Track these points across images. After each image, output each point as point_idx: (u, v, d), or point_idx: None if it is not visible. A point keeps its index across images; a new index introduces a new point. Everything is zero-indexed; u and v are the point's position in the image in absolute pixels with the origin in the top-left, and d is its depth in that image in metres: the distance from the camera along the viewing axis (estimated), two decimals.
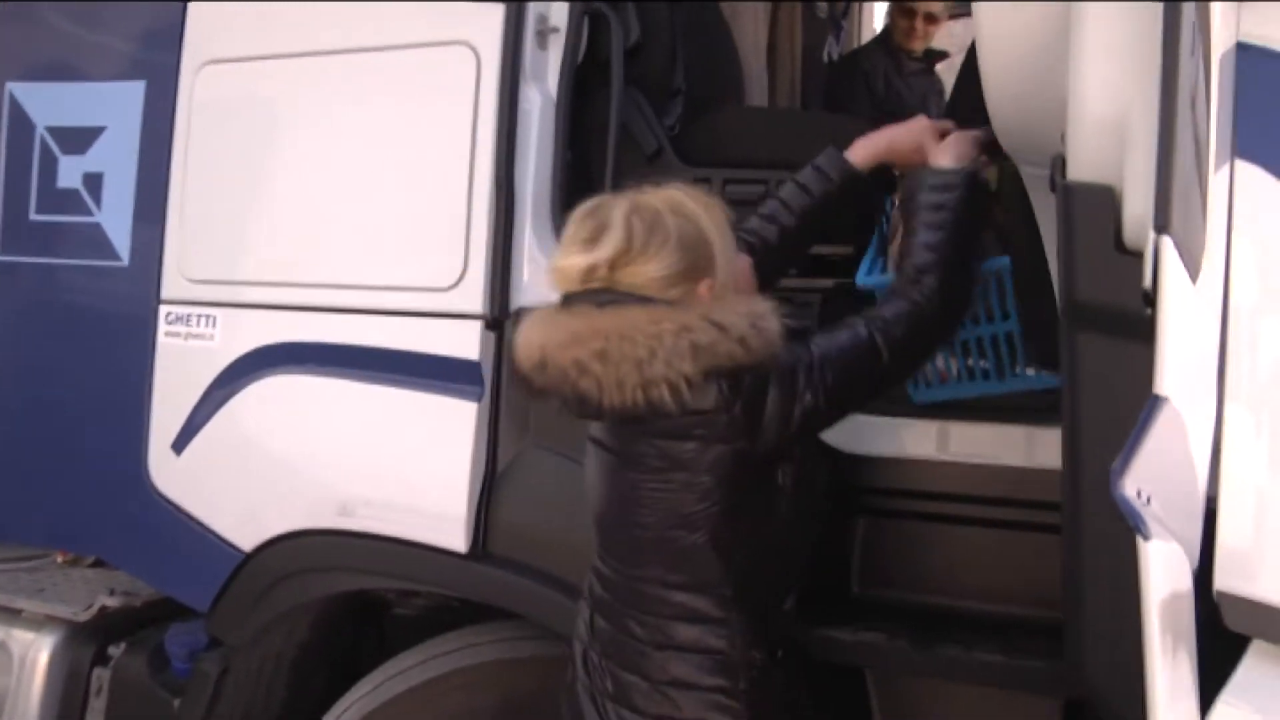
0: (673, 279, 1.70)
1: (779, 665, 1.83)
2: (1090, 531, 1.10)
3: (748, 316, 1.66)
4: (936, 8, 4.12)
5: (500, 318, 2.26)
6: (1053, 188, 1.18)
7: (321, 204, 2.40)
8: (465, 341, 2.27)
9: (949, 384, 2.15)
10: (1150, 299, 1.05)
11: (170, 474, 2.56)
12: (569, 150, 2.36)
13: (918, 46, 4.15)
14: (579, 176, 2.40)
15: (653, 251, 1.69)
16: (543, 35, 2.33)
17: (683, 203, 1.75)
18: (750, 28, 3.32)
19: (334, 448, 2.37)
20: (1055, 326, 1.53)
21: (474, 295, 2.26)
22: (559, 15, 2.34)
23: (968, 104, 3.15)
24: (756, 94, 3.33)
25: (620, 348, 1.62)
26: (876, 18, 5.00)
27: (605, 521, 1.86)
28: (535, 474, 2.29)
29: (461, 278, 2.27)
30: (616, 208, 1.73)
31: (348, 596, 2.61)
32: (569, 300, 1.75)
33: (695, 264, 1.72)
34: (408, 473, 2.30)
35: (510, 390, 2.28)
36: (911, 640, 2.01)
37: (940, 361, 2.15)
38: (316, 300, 2.39)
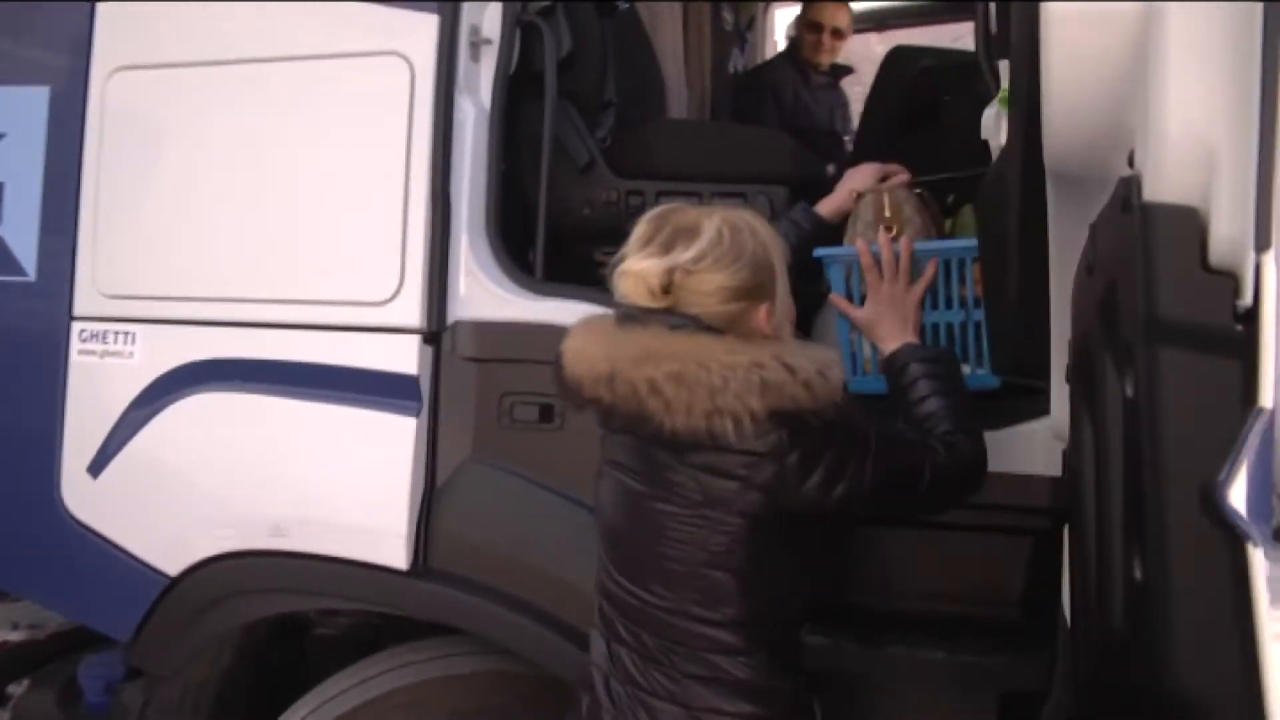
0: (738, 293, 1.72)
1: (805, 690, 1.84)
2: (1175, 543, 1.12)
3: (815, 362, 1.68)
4: (843, 23, 4.22)
5: (438, 331, 2.24)
6: (1123, 209, 1.20)
7: (251, 217, 2.33)
8: (403, 356, 2.23)
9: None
10: (1245, 316, 1.10)
11: (86, 498, 2.45)
12: (502, 162, 2.35)
13: (824, 60, 4.24)
14: (510, 188, 2.39)
15: (727, 262, 1.71)
16: (476, 46, 2.31)
17: (758, 227, 1.78)
18: (670, 39, 3.35)
19: (266, 466, 2.30)
20: (1024, 335, 1.60)
21: (411, 309, 2.23)
22: (492, 26, 2.33)
23: (876, 128, 3.27)
24: (676, 105, 3.36)
25: (696, 373, 1.63)
26: (778, 31, 5.09)
27: (624, 548, 1.83)
28: (475, 488, 2.27)
29: (398, 291, 2.23)
30: (704, 215, 1.75)
31: (270, 619, 2.53)
32: (632, 317, 1.75)
33: (761, 285, 1.75)
34: (345, 490, 2.26)
35: (449, 403, 2.25)
36: (857, 641, 2.04)
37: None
38: (245, 315, 2.32)
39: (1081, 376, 1.44)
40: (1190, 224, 1.17)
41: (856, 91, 4.69)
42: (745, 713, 1.74)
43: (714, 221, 1.73)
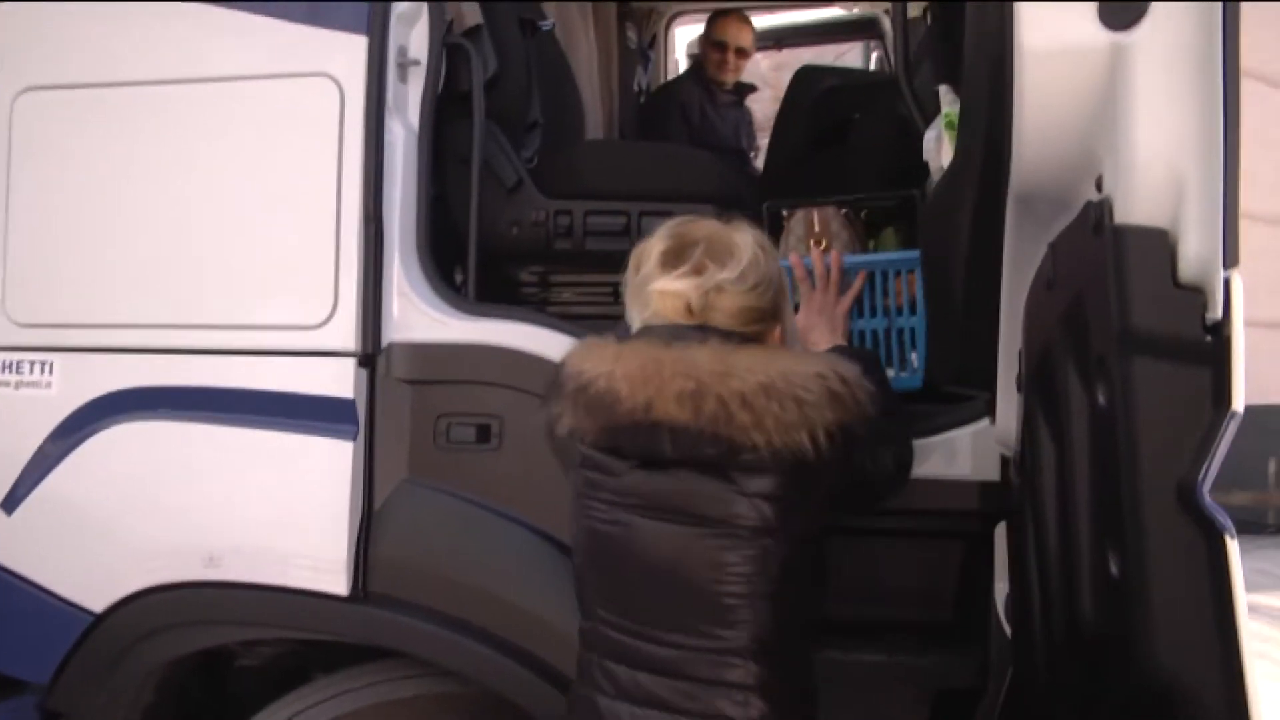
0: (762, 314, 1.74)
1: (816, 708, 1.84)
2: (1154, 539, 1.20)
3: (855, 371, 1.68)
4: (747, 42, 4.32)
5: (373, 354, 2.23)
6: (1095, 231, 1.29)
7: (179, 241, 2.28)
8: (338, 379, 2.21)
9: None
10: (1214, 328, 1.20)
11: None
12: (431, 183, 2.35)
13: (729, 79, 4.34)
14: (437, 209, 2.39)
15: (758, 280, 1.73)
16: (404, 68, 2.31)
17: (769, 245, 1.81)
18: (584, 58, 3.40)
19: (199, 495, 2.25)
20: (971, 346, 1.68)
21: (346, 332, 2.21)
22: (419, 47, 2.32)
23: (786, 147, 3.35)
24: (592, 124, 3.40)
25: (782, 385, 1.61)
26: (679, 48, 5.18)
27: (660, 595, 1.72)
28: (413, 510, 2.26)
29: (332, 314, 2.21)
30: (735, 232, 1.76)
31: (194, 652, 2.47)
32: (683, 335, 1.70)
33: (779, 306, 1.78)
34: (281, 517, 2.22)
35: (385, 426, 2.24)
36: None
37: None
38: (174, 342, 2.27)
39: (1040, 387, 1.53)
40: (1160, 244, 1.26)
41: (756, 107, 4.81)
42: None
43: (748, 240, 1.76)
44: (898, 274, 2.15)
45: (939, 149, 1.82)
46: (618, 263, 2.64)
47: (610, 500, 1.75)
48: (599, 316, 2.65)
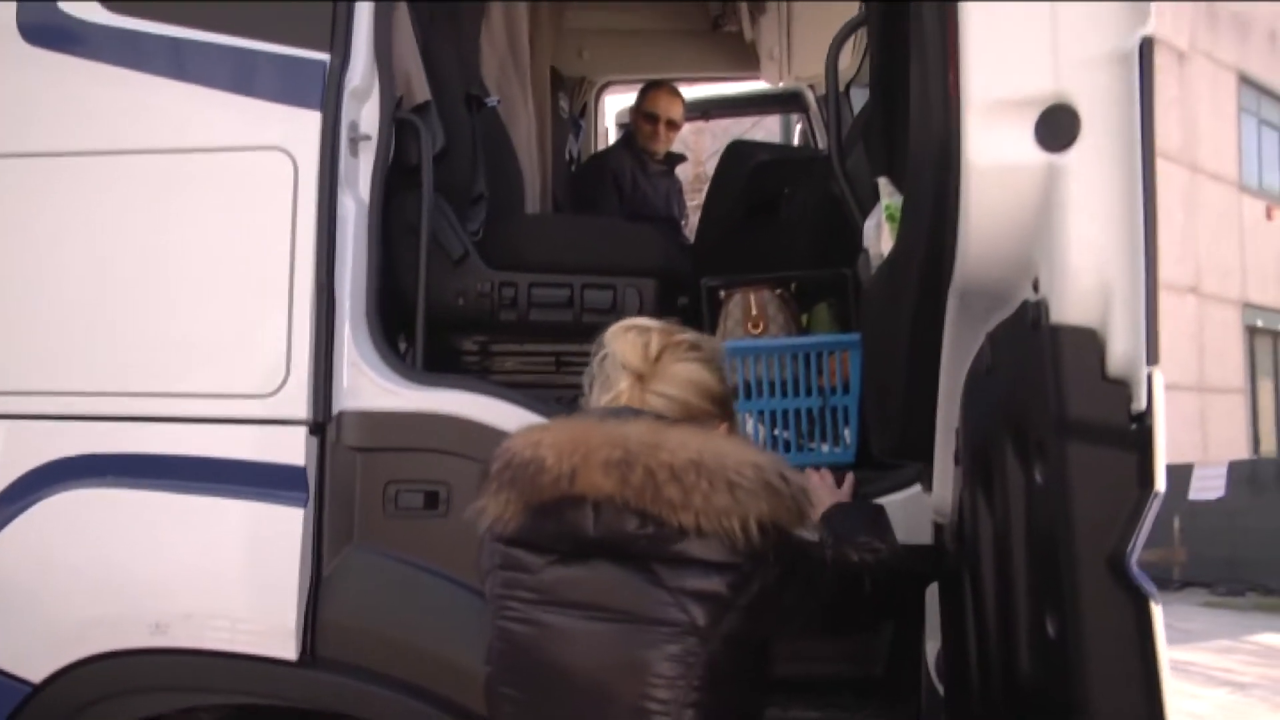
0: (713, 398, 1.76)
1: None
2: (1087, 603, 1.32)
3: (799, 479, 1.63)
4: (677, 114, 4.46)
5: (323, 422, 2.27)
6: (1033, 328, 1.42)
7: (131, 309, 2.31)
8: (289, 447, 2.25)
9: None
10: (1138, 418, 1.35)
11: None
12: (380, 254, 2.41)
13: (660, 149, 4.47)
14: (384, 279, 2.45)
15: (713, 364, 1.79)
16: (355, 142, 2.38)
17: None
18: (524, 130, 3.49)
19: (146, 563, 2.26)
20: (909, 423, 1.80)
21: (298, 400, 2.25)
22: (370, 123, 2.40)
23: (717, 219, 3.48)
24: (531, 195, 3.50)
25: (714, 463, 1.55)
26: (608, 117, 5.32)
27: (574, 702, 1.62)
28: (361, 575, 2.29)
29: (284, 383, 2.26)
30: (685, 332, 1.82)
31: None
32: (618, 413, 1.68)
33: (728, 402, 1.82)
34: (230, 583, 2.24)
35: (334, 492, 2.28)
36: None
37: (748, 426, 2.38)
38: (124, 409, 2.29)
39: (979, 463, 1.65)
40: (1091, 343, 1.41)
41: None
42: None
43: (692, 334, 1.82)
44: (832, 354, 2.28)
45: (879, 236, 1.96)
46: (559, 333, 2.75)
47: (526, 599, 1.65)
48: (541, 385, 2.73)
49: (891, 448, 2.00)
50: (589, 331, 1.89)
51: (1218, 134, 17.52)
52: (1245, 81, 18.34)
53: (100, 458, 2.29)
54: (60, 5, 2.41)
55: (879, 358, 1.93)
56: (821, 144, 4.32)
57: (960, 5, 1.50)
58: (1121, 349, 1.40)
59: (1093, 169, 1.45)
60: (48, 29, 2.41)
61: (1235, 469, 11.39)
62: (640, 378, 1.73)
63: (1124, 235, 1.41)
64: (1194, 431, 15.67)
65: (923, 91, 1.60)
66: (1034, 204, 1.46)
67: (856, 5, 2.85)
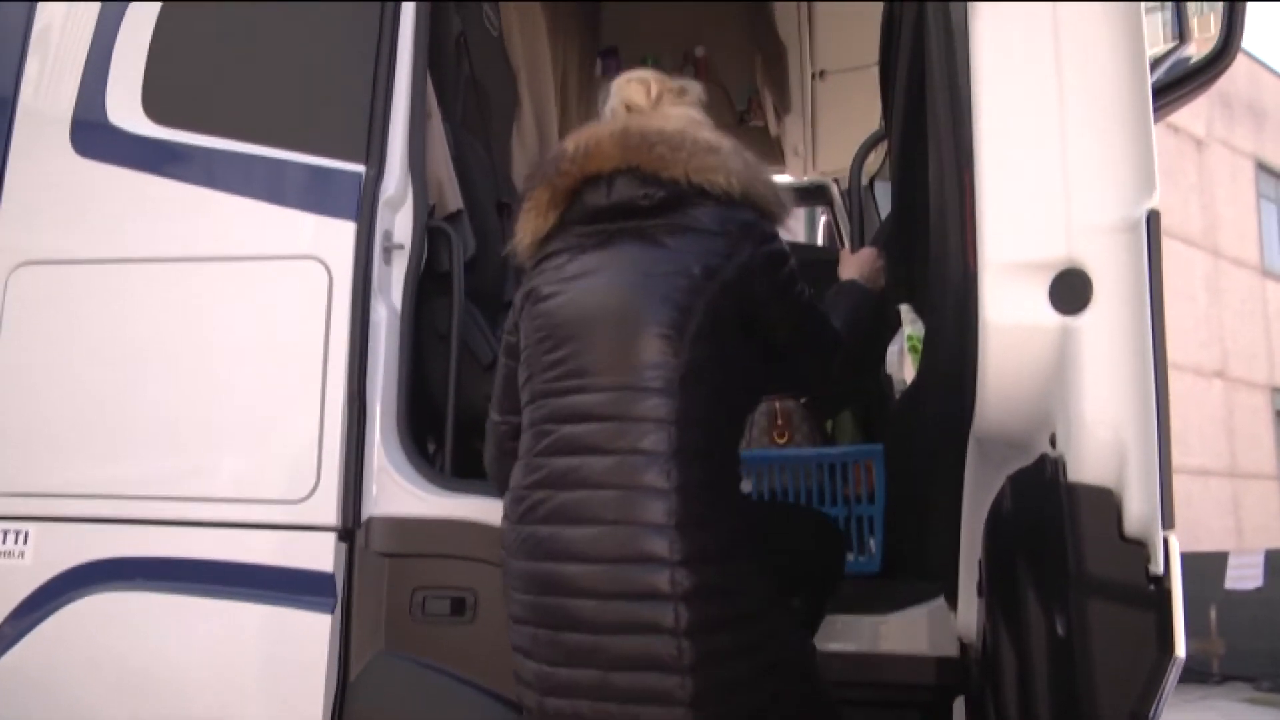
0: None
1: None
2: None
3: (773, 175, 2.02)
4: None
5: (352, 528, 2.28)
6: (1051, 483, 1.44)
7: (164, 414, 2.35)
8: (318, 553, 2.26)
9: None
10: (1157, 580, 1.35)
11: None
12: (411, 360, 2.44)
13: None
14: (414, 383, 2.48)
15: (703, 109, 2.05)
16: (388, 251, 2.43)
17: None
18: None
19: (172, 666, 2.26)
20: (932, 545, 1.79)
21: (328, 507, 2.27)
22: (403, 231, 2.46)
23: None
24: None
25: (695, 134, 1.88)
26: None
27: (588, 337, 1.86)
28: (388, 681, 2.29)
29: (314, 489, 2.28)
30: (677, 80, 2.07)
31: None
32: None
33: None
34: (257, 689, 2.23)
35: (362, 598, 2.28)
36: None
37: None
38: (150, 513, 2.31)
39: (1003, 601, 1.65)
40: (1108, 502, 1.43)
41: None
42: None
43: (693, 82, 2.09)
44: (857, 464, 2.29)
45: (901, 363, 1.99)
46: None
47: (557, 279, 1.89)
48: None
49: (915, 568, 1.99)
50: None
51: (1238, 219, 17.56)
52: (1262, 168, 18.43)
53: (129, 561, 2.30)
54: (110, 118, 2.50)
55: (902, 485, 1.94)
56: (846, 239, 4.36)
57: (978, 170, 1.55)
58: (1138, 510, 1.41)
59: (1105, 332, 1.48)
60: (98, 141, 2.50)
61: (1272, 557, 11.15)
62: (642, 116, 1.97)
63: (1137, 398, 1.43)
64: (1227, 518, 15.43)
65: (942, 252, 1.65)
66: (1049, 363, 1.49)
67: (878, 106, 2.91)
